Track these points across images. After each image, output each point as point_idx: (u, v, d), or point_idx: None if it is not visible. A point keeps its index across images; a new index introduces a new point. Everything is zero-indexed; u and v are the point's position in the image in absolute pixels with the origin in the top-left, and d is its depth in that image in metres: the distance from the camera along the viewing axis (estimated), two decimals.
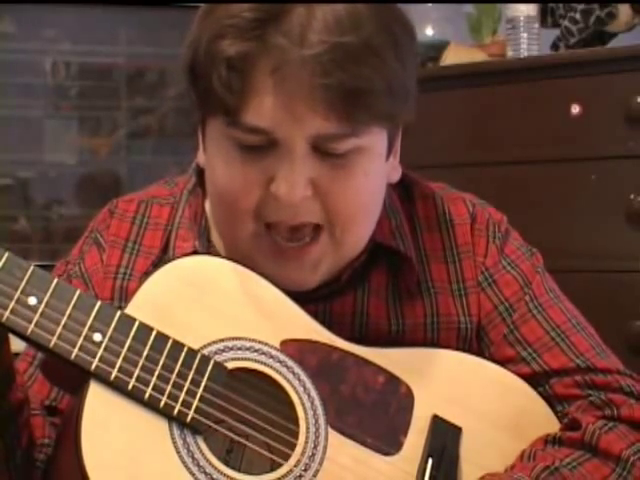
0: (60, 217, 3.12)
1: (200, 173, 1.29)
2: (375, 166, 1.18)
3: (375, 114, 1.13)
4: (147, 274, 1.17)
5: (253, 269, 1.19)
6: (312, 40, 1.08)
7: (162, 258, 1.26)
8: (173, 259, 1.20)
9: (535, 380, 1.25)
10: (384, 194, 1.24)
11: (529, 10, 2.44)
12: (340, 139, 1.13)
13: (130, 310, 1.12)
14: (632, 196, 2.18)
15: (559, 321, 1.28)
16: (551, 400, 1.25)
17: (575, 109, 2.25)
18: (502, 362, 1.26)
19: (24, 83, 3.11)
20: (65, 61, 3.12)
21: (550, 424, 1.23)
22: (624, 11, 2.41)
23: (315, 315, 1.19)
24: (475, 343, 1.28)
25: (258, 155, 1.14)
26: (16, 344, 1.12)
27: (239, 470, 1.11)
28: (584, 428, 1.19)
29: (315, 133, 1.12)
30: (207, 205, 1.29)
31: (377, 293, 1.27)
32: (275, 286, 1.18)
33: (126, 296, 1.24)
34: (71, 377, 1.10)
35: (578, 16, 2.43)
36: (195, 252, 1.23)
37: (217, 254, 1.25)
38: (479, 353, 1.27)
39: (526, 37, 2.43)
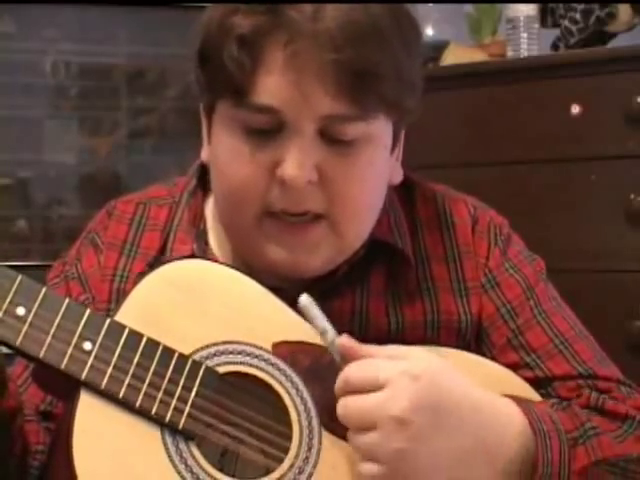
0: (60, 217, 3.10)
1: (201, 174, 1.29)
2: (380, 157, 1.19)
3: (383, 99, 1.14)
4: (142, 274, 1.17)
5: (254, 255, 1.19)
6: (324, 15, 1.10)
7: (158, 259, 1.25)
8: (164, 263, 1.19)
9: (537, 384, 1.25)
10: (385, 191, 1.24)
11: (529, 10, 2.44)
12: (349, 122, 1.14)
13: (120, 316, 1.11)
14: (632, 196, 2.18)
15: (563, 329, 1.28)
16: None
17: (575, 109, 2.24)
18: (505, 366, 1.25)
19: (24, 83, 3.09)
20: (65, 61, 3.11)
21: None
22: (624, 11, 2.41)
23: None
24: (473, 343, 1.28)
25: (265, 139, 1.15)
26: None
27: (233, 475, 1.10)
28: (588, 395, 1.21)
29: (324, 114, 1.12)
30: (206, 208, 1.29)
31: (376, 292, 1.26)
32: (267, 289, 1.17)
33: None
34: (63, 385, 1.09)
35: (578, 16, 2.43)
36: (192, 255, 1.23)
37: (212, 257, 1.25)
38: (478, 353, 1.26)
39: (526, 37, 2.43)
